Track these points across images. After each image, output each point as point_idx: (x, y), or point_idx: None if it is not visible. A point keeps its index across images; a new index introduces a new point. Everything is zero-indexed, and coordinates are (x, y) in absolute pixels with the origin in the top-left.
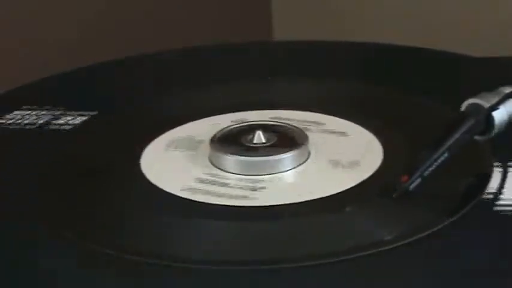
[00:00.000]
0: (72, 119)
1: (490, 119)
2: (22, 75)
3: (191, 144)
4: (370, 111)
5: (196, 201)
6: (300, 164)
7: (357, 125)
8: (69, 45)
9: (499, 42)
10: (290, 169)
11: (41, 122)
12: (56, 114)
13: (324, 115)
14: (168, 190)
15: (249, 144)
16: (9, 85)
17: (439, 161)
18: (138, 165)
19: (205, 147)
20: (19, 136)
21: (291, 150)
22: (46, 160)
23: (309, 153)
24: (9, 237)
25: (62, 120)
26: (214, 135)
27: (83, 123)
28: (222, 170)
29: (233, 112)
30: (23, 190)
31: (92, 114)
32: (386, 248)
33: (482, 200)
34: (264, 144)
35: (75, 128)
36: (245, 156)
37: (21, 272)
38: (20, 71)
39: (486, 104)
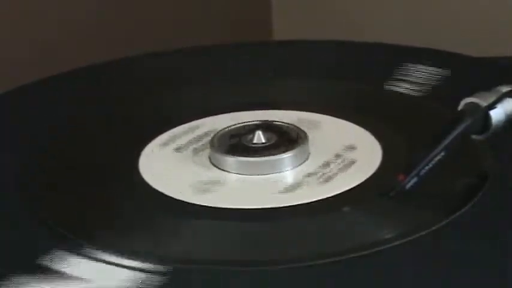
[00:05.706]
0: None
1: (488, 118)
2: (22, 75)
3: (191, 144)
4: (370, 111)
5: (195, 203)
6: (300, 164)
7: (355, 125)
8: (69, 45)
9: (498, 42)
10: (290, 169)
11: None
12: None
13: (323, 115)
14: (165, 192)
15: (248, 145)
16: (9, 85)
17: (436, 160)
18: (136, 166)
19: (205, 147)
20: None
21: (291, 150)
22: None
23: (309, 154)
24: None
25: None
26: (214, 135)
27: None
28: (222, 170)
29: (233, 112)
30: (21, 190)
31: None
32: (384, 247)
33: (481, 199)
34: (264, 144)
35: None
36: (245, 156)
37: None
38: (19, 71)
39: (483, 103)
